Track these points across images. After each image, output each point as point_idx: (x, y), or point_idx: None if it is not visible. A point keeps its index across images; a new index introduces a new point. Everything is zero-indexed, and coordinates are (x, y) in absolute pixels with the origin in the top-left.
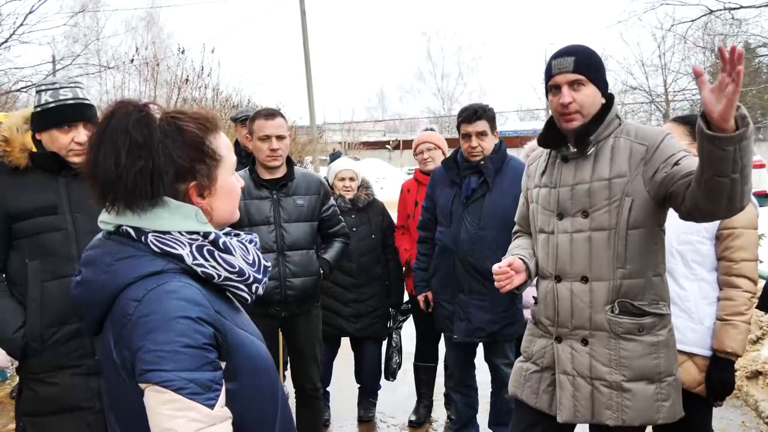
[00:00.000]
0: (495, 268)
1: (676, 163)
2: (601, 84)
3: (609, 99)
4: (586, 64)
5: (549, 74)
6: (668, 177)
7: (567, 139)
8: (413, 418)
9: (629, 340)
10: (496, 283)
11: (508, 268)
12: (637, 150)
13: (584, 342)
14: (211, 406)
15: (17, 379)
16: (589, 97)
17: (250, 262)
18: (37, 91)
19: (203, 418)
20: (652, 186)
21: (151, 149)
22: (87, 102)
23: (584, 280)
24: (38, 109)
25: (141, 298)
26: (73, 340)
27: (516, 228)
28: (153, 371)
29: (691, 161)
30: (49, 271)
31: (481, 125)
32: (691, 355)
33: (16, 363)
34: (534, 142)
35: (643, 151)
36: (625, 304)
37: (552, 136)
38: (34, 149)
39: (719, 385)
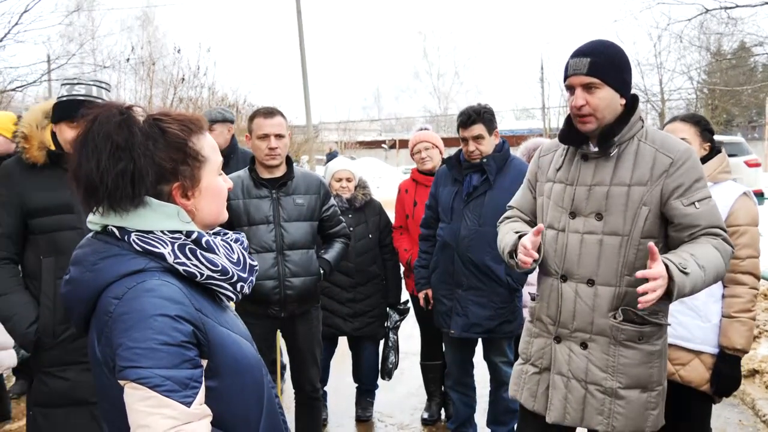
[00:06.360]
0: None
1: (694, 204)
2: (621, 85)
3: (633, 99)
4: (602, 66)
5: (565, 74)
6: (678, 213)
7: (587, 137)
8: (425, 415)
9: (629, 348)
10: (520, 257)
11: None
12: (662, 161)
13: (583, 345)
14: (188, 404)
15: (13, 380)
16: (603, 100)
17: (235, 260)
18: (61, 85)
19: (179, 416)
20: (664, 202)
21: (132, 151)
22: (99, 100)
23: (590, 283)
24: (56, 101)
25: (121, 296)
26: (83, 337)
27: (511, 213)
28: (130, 368)
29: (706, 211)
30: (63, 268)
31: (477, 129)
32: (698, 353)
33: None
34: (530, 142)
35: (667, 164)
36: (628, 312)
37: (572, 133)
38: (53, 146)
39: (727, 382)
